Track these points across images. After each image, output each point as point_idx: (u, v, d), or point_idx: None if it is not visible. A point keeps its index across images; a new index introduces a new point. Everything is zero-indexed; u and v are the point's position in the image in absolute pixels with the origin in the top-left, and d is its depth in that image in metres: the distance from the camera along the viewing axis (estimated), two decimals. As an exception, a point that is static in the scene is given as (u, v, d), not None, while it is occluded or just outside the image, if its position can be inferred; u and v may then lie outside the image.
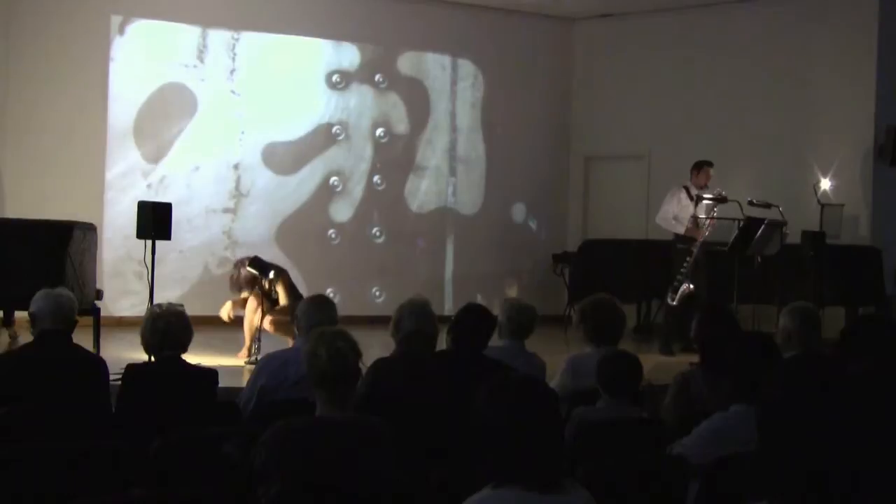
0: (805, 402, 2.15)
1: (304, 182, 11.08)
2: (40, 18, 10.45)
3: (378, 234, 11.44)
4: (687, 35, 12.17)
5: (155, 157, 10.57)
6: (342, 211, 11.28)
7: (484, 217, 12.25)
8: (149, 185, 10.48)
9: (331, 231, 11.19)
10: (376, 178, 11.43)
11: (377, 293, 11.39)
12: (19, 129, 10.38)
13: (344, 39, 11.53)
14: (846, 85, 10.96)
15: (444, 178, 11.87)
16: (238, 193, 10.76)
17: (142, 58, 10.63)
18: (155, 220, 7.67)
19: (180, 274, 10.24)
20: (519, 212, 12.57)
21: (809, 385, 2.17)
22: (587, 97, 13.03)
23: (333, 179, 11.18)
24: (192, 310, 10.02)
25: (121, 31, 10.69)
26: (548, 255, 12.45)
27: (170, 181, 10.53)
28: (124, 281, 10.27)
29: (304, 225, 11.08)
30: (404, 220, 11.68)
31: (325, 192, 11.21)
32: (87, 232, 8.03)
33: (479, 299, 11.49)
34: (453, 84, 12.01)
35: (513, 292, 12.25)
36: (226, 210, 10.73)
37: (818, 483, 2.08)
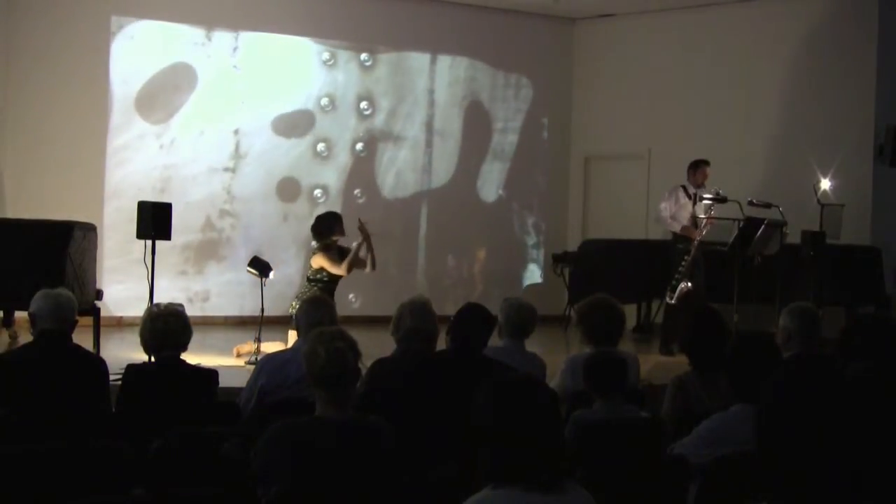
0: (805, 402, 2.15)
1: (295, 147, 11.97)
2: (40, 19, 10.46)
3: (360, 195, 12.27)
4: (687, 35, 12.17)
5: (166, 122, 11.23)
6: (328, 174, 12.14)
7: (455, 184, 12.75)
8: (161, 146, 11.23)
9: (317, 191, 12.05)
10: (359, 146, 12.29)
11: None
12: (19, 129, 10.39)
13: (332, 38, 11.98)
14: (846, 85, 10.96)
15: (421, 149, 12.60)
16: (237, 155, 11.64)
17: (153, 40, 11.12)
18: (155, 220, 7.66)
19: (185, 224, 10.90)
20: (489, 182, 12.97)
21: (809, 385, 2.17)
22: (587, 97, 13.04)
23: (321, 146, 12.10)
24: (196, 255, 11.12)
25: (134, 18, 10.99)
26: (521, 235, 13.02)
27: (178, 143, 11.30)
28: (124, 281, 10.28)
29: (294, 185, 11.94)
30: (383, 183, 12.42)
31: (314, 157, 12.04)
32: (87, 232, 8.04)
33: (450, 259, 12.67)
34: (432, 63, 12.64)
35: (481, 254, 12.87)
36: (226, 169, 11.59)
37: (818, 483, 2.08)
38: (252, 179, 11.63)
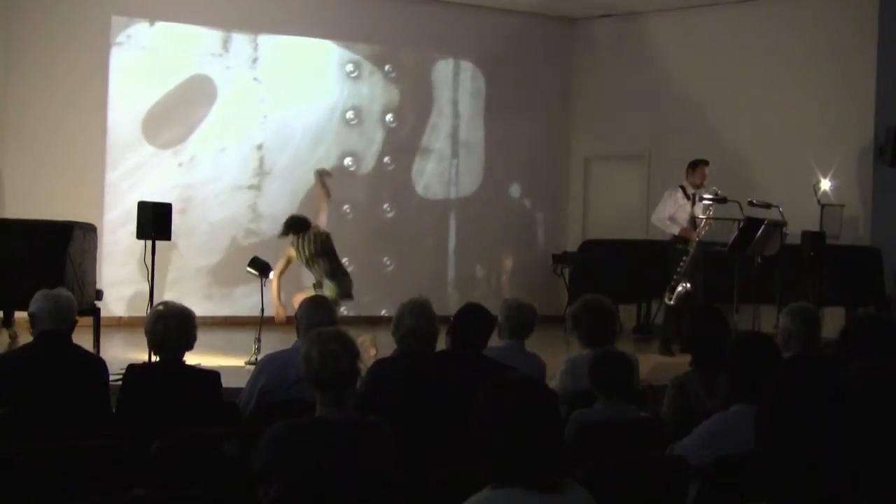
0: (805, 402, 2.15)
1: (321, 162, 11.66)
2: (40, 19, 10.46)
3: (388, 209, 12.30)
4: (687, 35, 12.17)
5: (183, 139, 11.16)
6: (356, 188, 12.06)
7: (482, 194, 12.80)
8: (180, 164, 11.12)
9: (346, 206, 11.90)
10: (386, 160, 12.29)
11: (387, 262, 12.17)
12: (19, 129, 10.39)
13: (351, 41, 11.99)
14: (846, 85, 10.95)
15: (447, 160, 12.63)
16: (262, 172, 11.56)
17: (169, 49, 11.03)
18: (155, 221, 7.67)
19: (210, 245, 11.03)
20: (514, 191, 13.06)
21: (809, 385, 2.18)
22: (587, 97, 13.04)
23: (348, 160, 12.05)
24: (223, 277, 10.91)
25: (151, 22, 10.97)
26: (544, 242, 13.07)
27: (198, 161, 11.23)
28: (124, 281, 10.27)
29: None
30: (412, 196, 12.47)
31: (341, 172, 11.80)
32: (87, 232, 8.03)
33: (478, 270, 12.67)
34: (455, 75, 12.67)
35: (509, 263, 12.90)
36: (250, 187, 11.51)
37: (817, 483, 2.08)
38: (278, 196, 11.45)
